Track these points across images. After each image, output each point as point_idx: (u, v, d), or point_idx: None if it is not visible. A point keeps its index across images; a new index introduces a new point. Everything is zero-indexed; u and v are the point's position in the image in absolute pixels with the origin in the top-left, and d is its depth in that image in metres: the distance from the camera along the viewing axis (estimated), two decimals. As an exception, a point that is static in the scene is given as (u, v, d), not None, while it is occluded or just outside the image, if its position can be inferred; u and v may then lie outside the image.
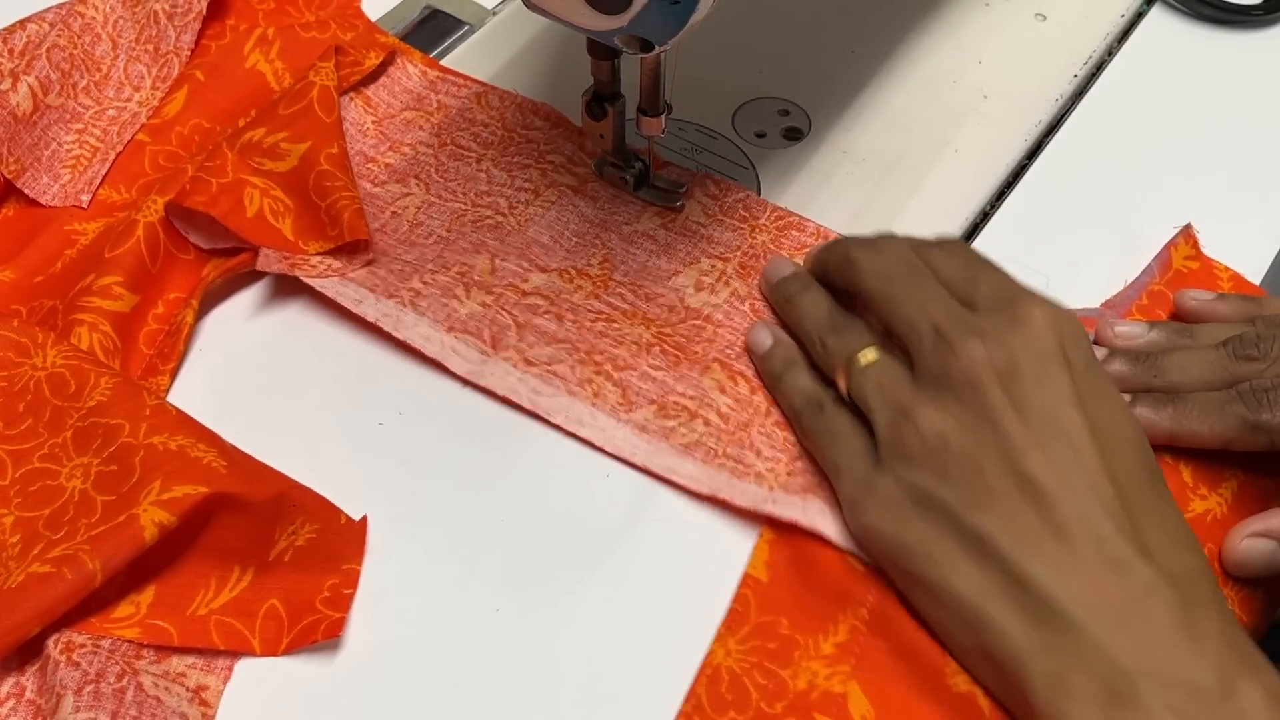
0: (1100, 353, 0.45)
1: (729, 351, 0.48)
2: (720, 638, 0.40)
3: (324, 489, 0.43)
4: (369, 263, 0.49)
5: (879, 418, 0.41)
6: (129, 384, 0.44)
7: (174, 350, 0.47)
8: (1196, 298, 0.47)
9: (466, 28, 0.61)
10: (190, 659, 0.39)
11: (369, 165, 0.53)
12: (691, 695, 0.39)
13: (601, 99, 0.49)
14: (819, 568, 0.41)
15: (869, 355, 0.42)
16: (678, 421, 0.45)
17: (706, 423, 0.45)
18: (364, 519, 0.42)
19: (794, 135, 0.56)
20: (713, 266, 0.50)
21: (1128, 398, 0.44)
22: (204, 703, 0.39)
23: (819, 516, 0.42)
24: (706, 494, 0.43)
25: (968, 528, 0.37)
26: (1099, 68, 0.59)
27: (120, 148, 0.53)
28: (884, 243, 0.45)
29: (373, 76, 0.56)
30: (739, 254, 0.51)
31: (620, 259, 0.50)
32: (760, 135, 0.56)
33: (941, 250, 0.44)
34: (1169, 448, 0.43)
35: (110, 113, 0.54)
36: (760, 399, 0.46)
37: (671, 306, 0.49)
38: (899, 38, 0.60)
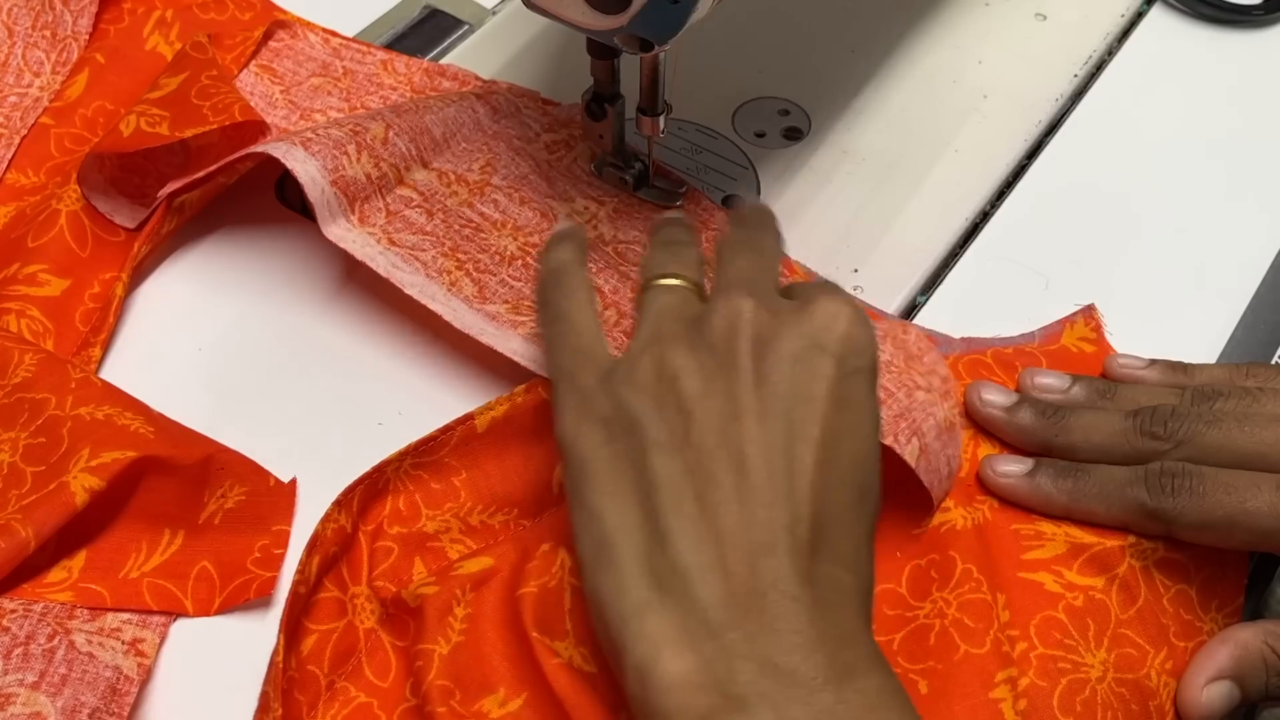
0: (1010, 397, 0.44)
1: (590, 267, 0.47)
2: (402, 453, 0.42)
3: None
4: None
5: (638, 333, 0.39)
6: (53, 359, 0.44)
7: (104, 323, 0.47)
8: (1125, 365, 0.46)
9: (466, 27, 0.61)
10: (125, 615, 0.40)
11: (283, 134, 0.53)
12: (350, 490, 0.41)
13: (601, 99, 0.49)
14: (529, 462, 0.42)
15: (674, 280, 0.40)
16: (528, 317, 0.46)
17: None
18: (293, 481, 0.43)
19: (794, 135, 0.56)
20: (586, 208, 0.51)
21: (1029, 463, 0.43)
22: (140, 654, 0.39)
23: None
24: (547, 375, 0.43)
25: (648, 465, 0.36)
26: (1099, 68, 0.59)
27: (24, 132, 0.54)
28: (762, 226, 0.43)
29: (275, 50, 0.56)
30: (616, 200, 0.51)
31: (503, 165, 0.50)
32: (760, 135, 0.56)
33: (813, 285, 0.43)
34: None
35: (11, 99, 0.55)
36: (610, 314, 0.46)
37: (543, 213, 0.50)
38: (899, 38, 0.60)
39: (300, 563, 0.39)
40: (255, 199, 0.52)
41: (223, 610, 0.41)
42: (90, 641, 0.38)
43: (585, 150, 0.52)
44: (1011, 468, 0.43)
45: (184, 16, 0.58)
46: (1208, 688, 0.40)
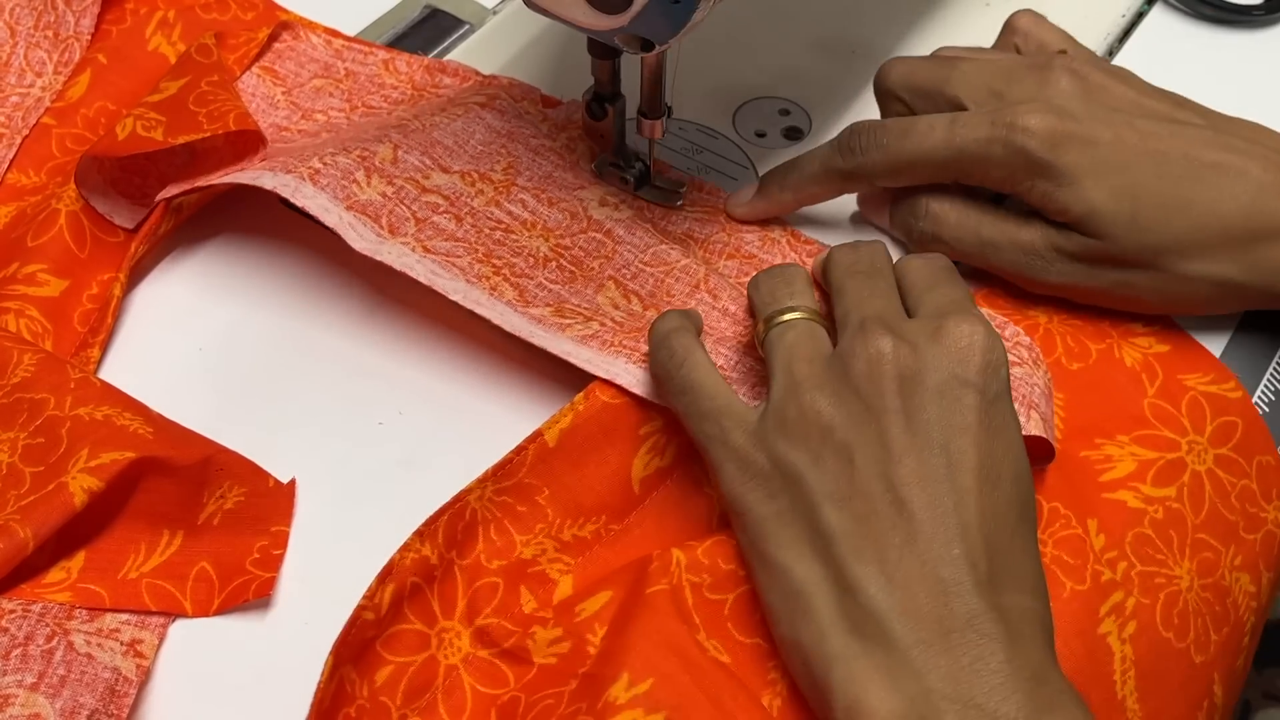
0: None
1: (625, 271, 0.48)
2: (482, 480, 0.41)
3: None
4: (266, 156, 0.49)
5: (775, 380, 0.40)
6: (52, 359, 0.44)
7: (102, 324, 0.47)
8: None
9: (466, 27, 0.61)
10: (124, 616, 0.40)
11: (284, 134, 0.53)
12: (433, 520, 0.40)
13: (601, 99, 0.49)
14: (604, 468, 0.42)
15: (794, 314, 0.41)
16: (573, 320, 0.45)
17: (602, 324, 0.45)
18: (292, 481, 0.43)
19: (794, 135, 0.56)
20: (617, 192, 0.50)
21: (754, 185, 0.50)
22: (139, 654, 0.39)
23: None
24: (602, 376, 0.43)
25: (820, 519, 0.37)
26: (1099, 68, 0.59)
27: (26, 132, 0.54)
28: (865, 244, 0.44)
29: (277, 52, 0.56)
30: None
31: (525, 166, 0.50)
32: (760, 135, 0.56)
33: (919, 259, 0.43)
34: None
35: (14, 99, 0.55)
36: (653, 315, 0.45)
37: (574, 214, 0.49)
38: (899, 38, 0.60)
39: (370, 589, 0.38)
40: (257, 199, 0.52)
41: (221, 611, 0.41)
42: (89, 642, 0.38)
43: (586, 150, 0.52)
44: (743, 195, 0.51)
45: (186, 17, 0.58)
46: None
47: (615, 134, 0.50)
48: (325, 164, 0.47)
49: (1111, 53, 0.60)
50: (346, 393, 0.47)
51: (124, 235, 0.50)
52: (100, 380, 0.44)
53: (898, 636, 0.35)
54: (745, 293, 0.45)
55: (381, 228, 0.46)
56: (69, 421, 0.42)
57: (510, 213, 0.48)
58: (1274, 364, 0.48)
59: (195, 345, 0.48)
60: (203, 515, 0.42)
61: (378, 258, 0.45)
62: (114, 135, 0.49)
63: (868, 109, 0.57)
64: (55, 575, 0.40)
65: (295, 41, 0.57)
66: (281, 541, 0.42)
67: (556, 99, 0.54)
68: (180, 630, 0.40)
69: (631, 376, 0.43)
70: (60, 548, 0.41)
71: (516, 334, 0.44)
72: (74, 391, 0.43)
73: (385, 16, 0.61)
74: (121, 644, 0.39)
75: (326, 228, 0.46)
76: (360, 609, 0.38)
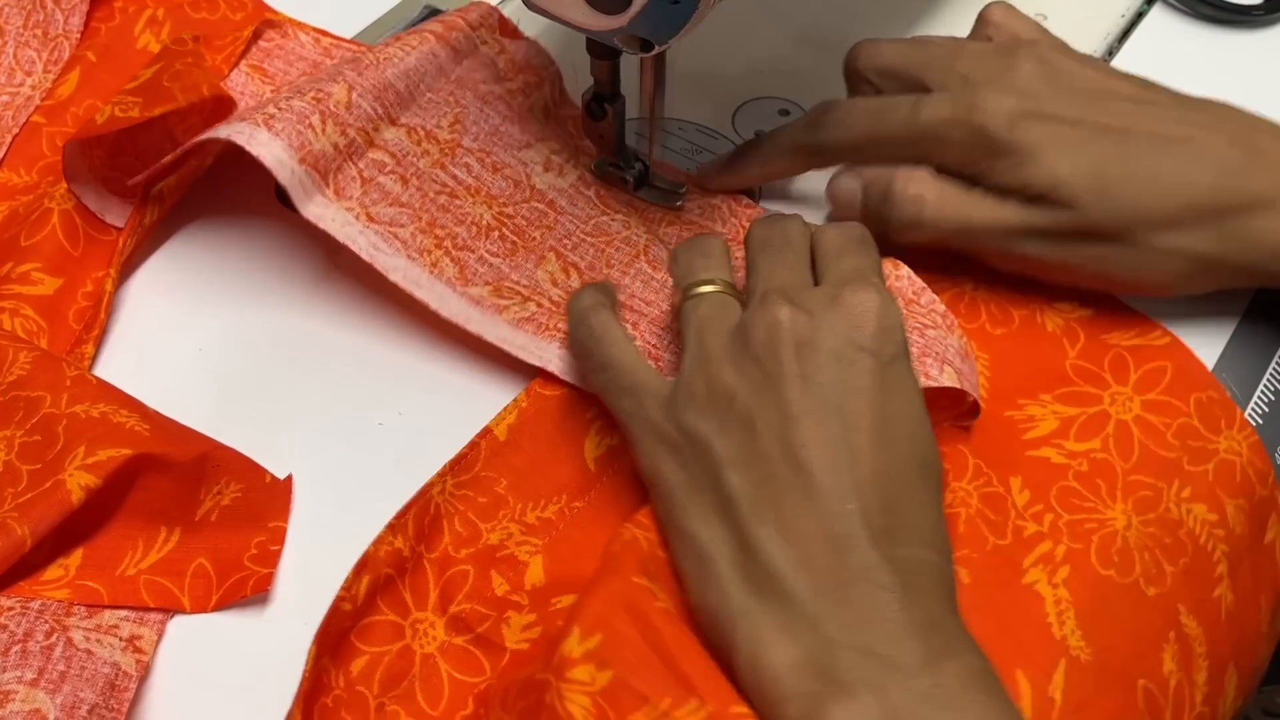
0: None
1: (566, 242, 0.49)
2: (442, 475, 0.43)
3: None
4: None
5: (687, 353, 0.41)
6: (48, 357, 0.44)
7: (95, 319, 0.47)
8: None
9: (467, 28, 0.61)
10: (123, 612, 0.40)
11: None
12: (402, 513, 0.41)
13: (601, 99, 0.49)
14: (557, 452, 0.44)
15: (708, 287, 0.42)
16: (511, 302, 0.47)
17: (539, 305, 0.47)
18: (289, 477, 0.43)
19: (794, 135, 0.56)
20: (563, 145, 0.51)
21: (723, 158, 0.51)
22: (138, 650, 0.39)
23: None
24: (535, 364, 0.45)
25: (724, 484, 0.38)
26: (1099, 68, 0.59)
27: (16, 130, 0.54)
28: (781, 218, 0.45)
29: (266, 50, 0.57)
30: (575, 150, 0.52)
31: (472, 121, 0.50)
32: (760, 135, 0.56)
33: (834, 228, 0.44)
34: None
35: (3, 98, 0.55)
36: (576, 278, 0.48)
37: (517, 182, 0.50)
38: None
39: (347, 580, 0.39)
40: (256, 200, 0.52)
41: (220, 607, 0.41)
42: (88, 638, 0.38)
43: (539, 101, 0.52)
44: (712, 166, 0.52)
45: (175, 15, 0.58)
46: (845, 176, 0.48)
47: (615, 134, 0.50)
48: (280, 109, 0.47)
49: (1111, 52, 0.60)
50: (346, 393, 0.47)
51: (116, 233, 0.50)
52: (96, 377, 0.44)
53: (795, 591, 0.35)
54: None
55: (328, 187, 0.47)
56: (65, 419, 0.42)
57: (455, 176, 0.49)
58: (1274, 364, 0.48)
59: (195, 345, 0.48)
60: (200, 511, 0.42)
61: (321, 224, 0.46)
62: (92, 122, 0.50)
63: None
64: (53, 572, 0.40)
65: (284, 40, 0.57)
66: (279, 537, 0.42)
67: (515, 26, 0.54)
68: (179, 627, 0.41)
69: (564, 363, 0.45)
70: (58, 545, 0.41)
71: (453, 320, 0.46)
72: (70, 389, 0.43)
73: (385, 17, 0.61)
74: (120, 639, 0.39)
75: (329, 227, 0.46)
76: (339, 600, 0.39)
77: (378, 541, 0.40)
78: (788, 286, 0.41)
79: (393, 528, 0.41)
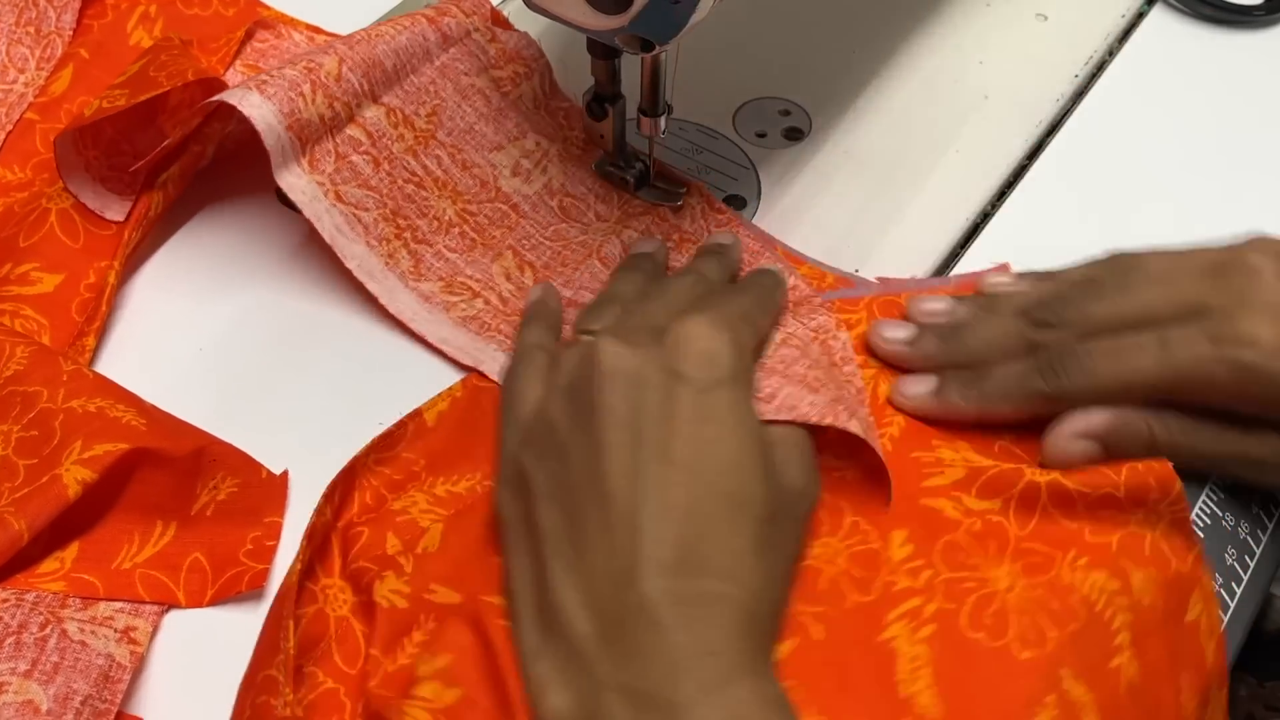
0: (909, 330, 0.45)
1: (525, 242, 0.50)
2: (367, 449, 0.43)
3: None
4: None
5: (548, 386, 0.41)
6: (44, 352, 0.44)
7: (97, 311, 0.47)
8: (997, 281, 0.47)
9: (467, 28, 0.61)
10: (118, 605, 0.40)
11: None
12: (332, 486, 0.41)
13: (601, 99, 0.49)
14: (481, 435, 0.44)
15: (586, 336, 0.42)
16: (460, 298, 0.48)
17: (487, 302, 0.48)
18: (284, 473, 0.43)
19: (794, 135, 0.56)
20: (536, 145, 0.51)
21: (934, 380, 0.44)
22: (133, 641, 0.39)
23: None
24: (469, 364, 0.46)
25: (537, 519, 0.38)
26: (1100, 68, 0.59)
27: (10, 128, 0.54)
28: (643, 262, 0.47)
29: (260, 50, 0.57)
30: (561, 144, 0.52)
31: (449, 115, 0.51)
32: (761, 135, 0.56)
33: (710, 255, 0.46)
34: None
35: None
36: (528, 274, 0.49)
37: (484, 182, 0.51)
38: (899, 38, 0.60)
39: (299, 552, 0.40)
40: (256, 200, 0.52)
41: (215, 602, 0.41)
42: (82, 630, 0.38)
43: (529, 90, 0.53)
44: (919, 388, 0.44)
45: (167, 12, 0.58)
46: (1073, 441, 0.42)
47: (615, 134, 0.50)
48: (272, 76, 0.47)
49: (1111, 53, 0.60)
50: (346, 392, 0.47)
51: (116, 227, 0.50)
52: (93, 372, 0.44)
53: (575, 630, 0.35)
54: None
55: (304, 158, 0.47)
56: (62, 414, 0.42)
57: (425, 166, 0.50)
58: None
59: (195, 345, 0.48)
60: (196, 506, 0.42)
61: (291, 195, 0.47)
62: (81, 116, 0.50)
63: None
64: (49, 565, 0.40)
65: (279, 40, 0.57)
66: (275, 532, 0.42)
67: (506, 18, 0.54)
68: (174, 621, 0.40)
69: (497, 364, 0.46)
70: (54, 539, 0.41)
71: (399, 316, 0.47)
72: (67, 384, 0.43)
73: (385, 17, 0.60)
74: (115, 631, 0.39)
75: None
76: (296, 573, 0.39)
77: (316, 512, 0.41)
78: (624, 327, 0.41)
79: (325, 498, 0.41)
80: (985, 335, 0.44)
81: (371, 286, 0.47)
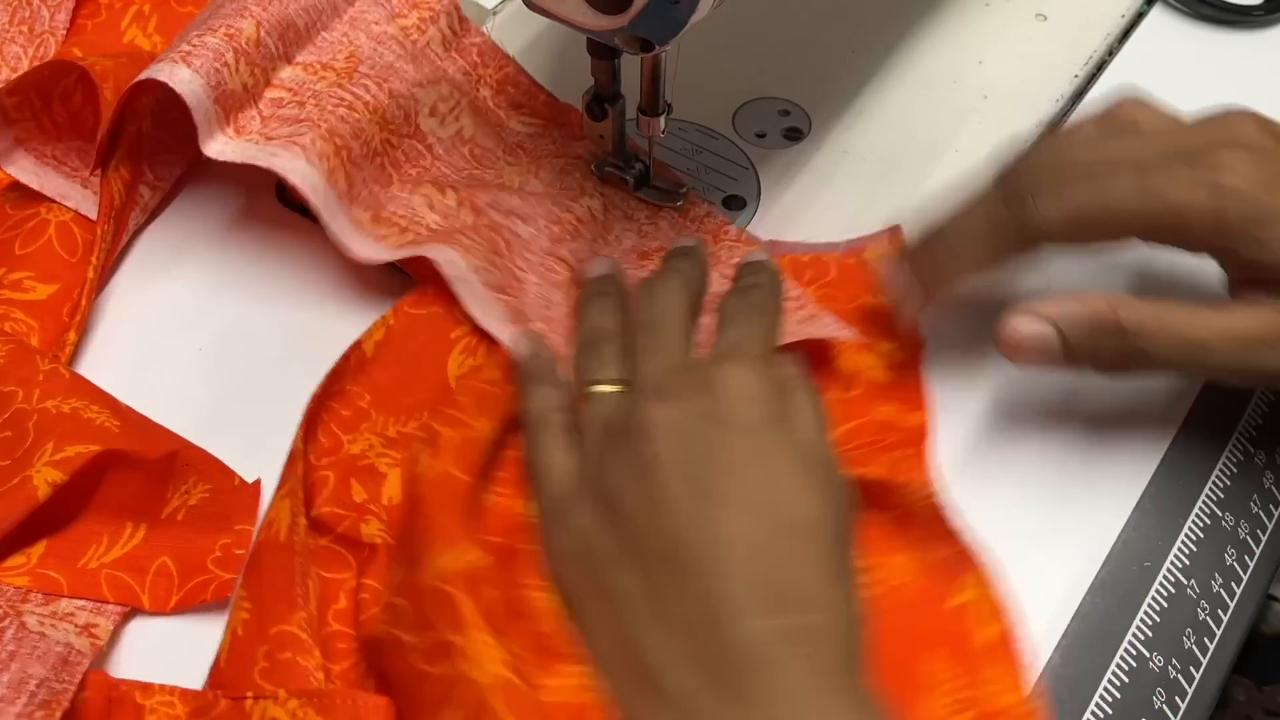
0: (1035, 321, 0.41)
1: (441, 180, 0.50)
2: (318, 388, 0.44)
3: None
4: None
5: (587, 449, 0.41)
6: (22, 350, 0.44)
7: (77, 306, 0.47)
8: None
9: (467, 28, 0.61)
10: (80, 602, 0.40)
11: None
12: (299, 429, 0.43)
13: (601, 99, 0.49)
14: (421, 369, 0.45)
15: (602, 387, 0.43)
16: (389, 231, 0.48)
17: (417, 234, 0.48)
18: (257, 481, 0.43)
19: (794, 135, 0.56)
20: (451, 93, 0.52)
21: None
22: (93, 636, 0.39)
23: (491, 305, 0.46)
24: (421, 255, 0.46)
25: (608, 584, 0.37)
26: (1099, 68, 0.59)
27: None
28: (657, 288, 0.46)
29: None
30: (470, 96, 0.53)
31: (366, 57, 0.51)
32: (760, 135, 0.56)
33: (734, 297, 0.46)
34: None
35: None
36: (466, 211, 0.49)
37: (407, 114, 0.51)
38: (899, 38, 0.60)
39: (285, 507, 0.41)
40: (255, 201, 0.52)
41: (179, 609, 0.40)
42: (42, 623, 0.38)
43: (436, 34, 0.53)
44: (891, 278, 0.45)
45: (161, 10, 0.58)
46: (1025, 321, 0.40)
47: (615, 134, 0.50)
48: (194, 45, 0.47)
49: (1111, 53, 0.60)
50: (346, 393, 0.47)
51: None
52: (70, 371, 0.44)
53: (680, 686, 0.35)
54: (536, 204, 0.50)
55: (229, 126, 0.47)
56: (36, 415, 0.41)
57: (354, 93, 0.49)
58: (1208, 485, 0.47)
59: (195, 345, 0.48)
60: (166, 510, 0.42)
61: (222, 158, 0.47)
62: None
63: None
64: (14, 560, 0.40)
65: None
66: (244, 541, 0.41)
67: None
68: (137, 627, 0.40)
69: (450, 265, 0.46)
70: (22, 537, 0.40)
71: (332, 237, 0.47)
72: (42, 384, 0.43)
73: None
74: (76, 626, 0.39)
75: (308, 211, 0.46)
76: (272, 523, 0.41)
77: (288, 459, 0.42)
78: (661, 378, 0.41)
79: (300, 441, 0.42)
80: (961, 220, 0.43)
81: (315, 201, 0.46)
